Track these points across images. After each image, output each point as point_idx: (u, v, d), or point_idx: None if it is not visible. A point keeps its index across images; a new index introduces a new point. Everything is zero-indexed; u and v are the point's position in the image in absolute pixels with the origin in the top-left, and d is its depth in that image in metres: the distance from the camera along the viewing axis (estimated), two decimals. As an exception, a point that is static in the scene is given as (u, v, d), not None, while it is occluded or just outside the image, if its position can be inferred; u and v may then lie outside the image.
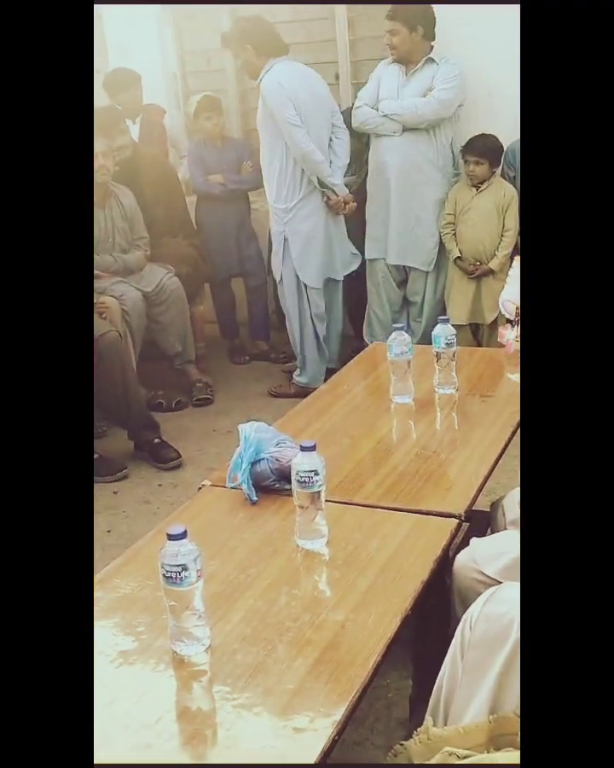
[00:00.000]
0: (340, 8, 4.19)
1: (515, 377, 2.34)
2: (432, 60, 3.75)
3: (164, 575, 1.30)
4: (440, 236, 3.92)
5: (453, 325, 3.11)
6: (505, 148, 3.79)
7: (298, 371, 4.09)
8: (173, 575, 1.29)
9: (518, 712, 1.24)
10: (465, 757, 1.19)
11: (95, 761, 1.02)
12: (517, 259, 2.04)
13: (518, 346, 2.03)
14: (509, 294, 2.04)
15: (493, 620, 1.32)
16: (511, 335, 2.03)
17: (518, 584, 1.43)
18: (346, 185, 3.98)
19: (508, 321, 2.13)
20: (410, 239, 3.92)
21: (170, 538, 1.30)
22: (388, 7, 3.68)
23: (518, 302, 2.00)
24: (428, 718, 1.34)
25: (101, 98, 4.04)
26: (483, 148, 3.74)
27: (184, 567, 1.29)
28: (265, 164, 3.83)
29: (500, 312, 2.39)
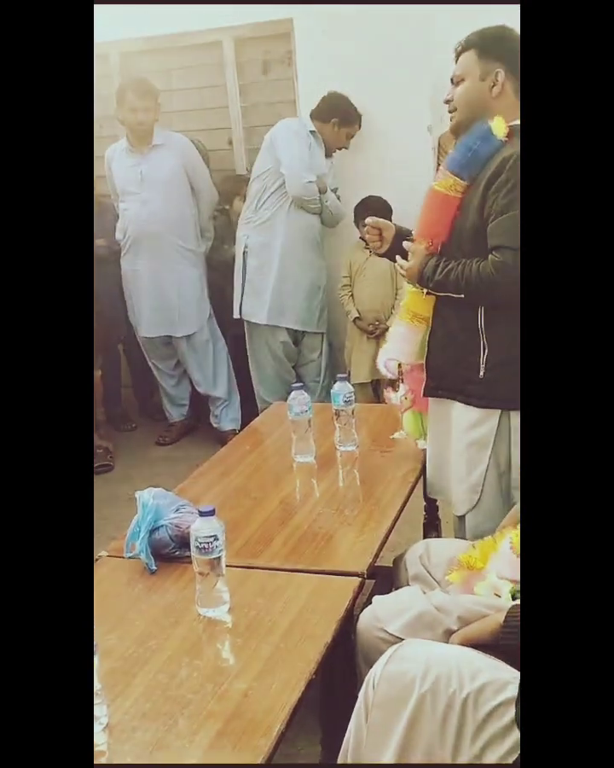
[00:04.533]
0: (231, 76, 4.30)
1: (399, 435, 2.38)
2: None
3: (57, 654, 1.25)
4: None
5: (355, 383, 3.13)
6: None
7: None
8: (66, 653, 1.25)
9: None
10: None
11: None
12: (394, 318, 2.09)
13: (407, 403, 2.07)
14: (388, 352, 2.07)
15: (395, 679, 1.32)
16: (396, 397, 2.07)
17: (420, 641, 1.44)
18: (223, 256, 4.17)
19: (391, 381, 2.17)
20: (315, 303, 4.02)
21: (63, 614, 1.26)
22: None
23: (398, 359, 2.03)
24: (335, 785, 1.32)
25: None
26: (381, 209, 3.86)
27: (78, 644, 1.24)
28: (185, 213, 3.99)
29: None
